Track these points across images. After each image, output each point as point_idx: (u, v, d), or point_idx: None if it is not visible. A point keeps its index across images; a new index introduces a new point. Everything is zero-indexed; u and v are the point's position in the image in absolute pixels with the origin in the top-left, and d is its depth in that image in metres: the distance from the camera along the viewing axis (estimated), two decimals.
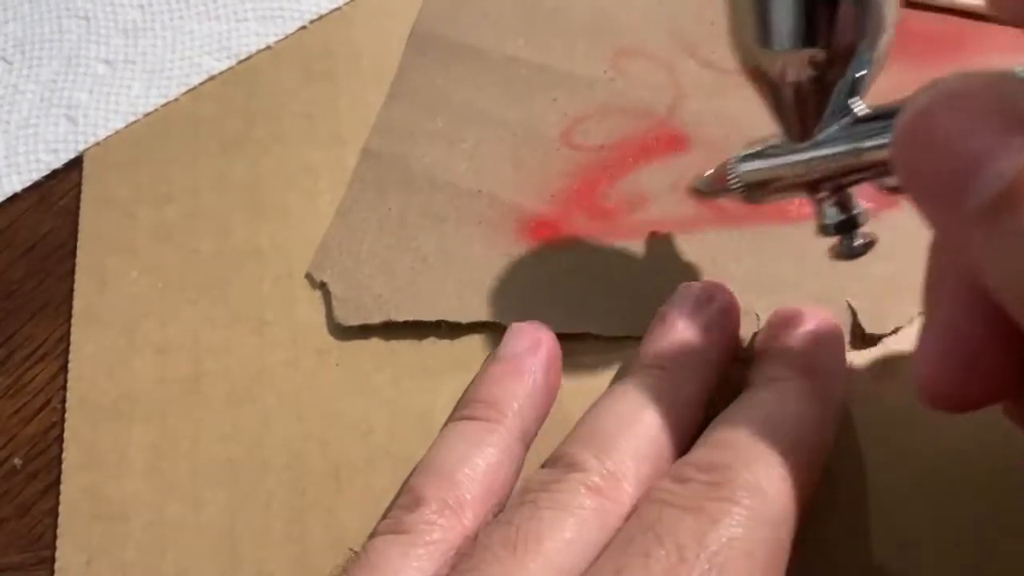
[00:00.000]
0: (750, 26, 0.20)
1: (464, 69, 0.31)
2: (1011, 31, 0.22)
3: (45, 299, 0.28)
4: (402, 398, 0.25)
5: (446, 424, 0.22)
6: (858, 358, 0.24)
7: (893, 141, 0.16)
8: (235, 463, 0.25)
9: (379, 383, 0.25)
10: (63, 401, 0.26)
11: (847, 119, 0.20)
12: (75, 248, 0.29)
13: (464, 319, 0.26)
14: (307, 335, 0.26)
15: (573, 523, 0.18)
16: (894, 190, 0.20)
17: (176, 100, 0.31)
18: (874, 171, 0.20)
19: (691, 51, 0.30)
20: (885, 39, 0.20)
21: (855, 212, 0.21)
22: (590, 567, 0.18)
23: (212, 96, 0.31)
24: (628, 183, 0.28)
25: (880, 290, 0.25)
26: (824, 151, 0.21)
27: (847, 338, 0.24)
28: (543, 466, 0.20)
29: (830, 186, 0.21)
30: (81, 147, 0.31)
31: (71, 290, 0.28)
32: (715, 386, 0.22)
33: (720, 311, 0.22)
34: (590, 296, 0.26)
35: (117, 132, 0.31)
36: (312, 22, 0.33)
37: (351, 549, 0.19)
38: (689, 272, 0.26)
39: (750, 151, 0.23)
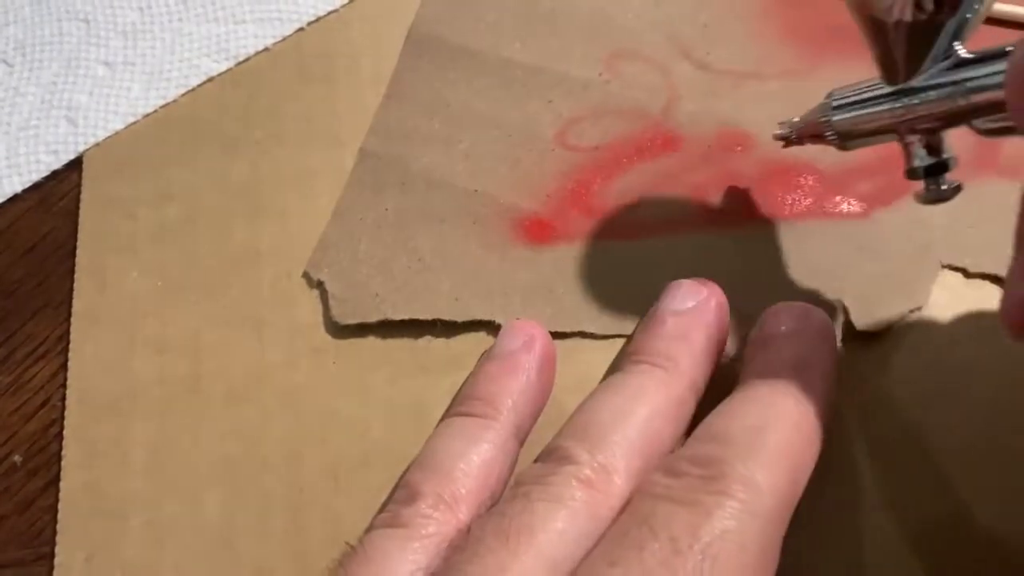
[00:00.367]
0: None
1: (461, 71, 0.31)
2: (1011, 32, 0.22)
3: (45, 298, 0.28)
4: (399, 396, 0.25)
5: (441, 420, 0.22)
6: (850, 355, 0.24)
7: (1009, 75, 0.16)
8: (233, 461, 0.25)
9: (376, 381, 0.26)
10: (63, 399, 0.26)
11: (949, 62, 0.21)
12: (75, 248, 0.29)
13: (460, 318, 0.26)
14: (305, 334, 0.27)
15: (565, 515, 0.18)
16: (991, 132, 0.21)
17: (175, 102, 0.32)
18: (975, 112, 0.20)
19: (685, 53, 0.31)
20: None
21: (945, 157, 0.22)
22: (584, 560, 0.18)
23: (211, 98, 0.32)
24: (622, 183, 0.28)
25: (871, 288, 0.25)
26: (927, 93, 0.21)
27: (838, 335, 0.24)
28: (536, 460, 0.21)
29: (924, 129, 0.22)
30: (81, 148, 0.31)
31: (71, 289, 0.28)
32: (706, 381, 0.22)
33: (709, 307, 0.23)
34: (584, 295, 0.26)
35: (117, 133, 0.31)
36: (310, 24, 0.33)
37: (347, 543, 0.19)
38: (682, 271, 0.26)
39: (844, 96, 0.23)
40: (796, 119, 0.26)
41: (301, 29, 0.33)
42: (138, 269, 0.28)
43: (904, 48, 0.21)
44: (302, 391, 0.26)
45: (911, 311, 0.25)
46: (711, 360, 0.22)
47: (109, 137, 0.31)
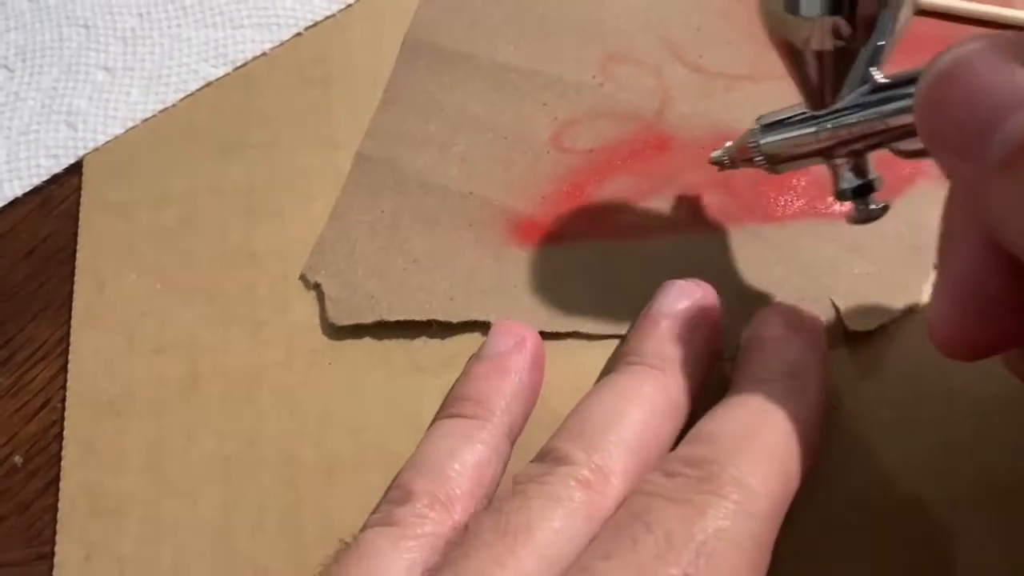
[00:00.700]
0: None
1: (456, 75, 0.31)
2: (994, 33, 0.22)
3: (46, 301, 0.29)
4: (394, 396, 0.25)
5: (434, 421, 0.22)
6: (841, 356, 0.25)
7: (916, 101, 0.17)
8: (230, 460, 0.25)
9: (371, 382, 0.26)
10: (63, 400, 0.26)
11: (866, 87, 0.21)
12: (75, 251, 0.29)
13: (455, 318, 0.26)
14: (301, 335, 0.27)
15: (562, 514, 0.18)
16: (910, 154, 0.21)
17: (174, 106, 0.32)
18: (892, 135, 0.21)
19: (679, 56, 0.31)
20: (905, 11, 0.21)
21: (871, 178, 0.23)
22: (580, 554, 0.18)
23: (209, 102, 0.32)
24: (616, 185, 0.28)
25: (862, 289, 0.26)
26: (845, 118, 0.22)
27: (830, 337, 0.25)
28: (533, 460, 0.21)
29: (848, 152, 0.22)
30: (81, 152, 0.31)
31: (71, 292, 0.28)
32: (701, 382, 0.22)
33: (703, 307, 0.23)
34: (578, 296, 0.26)
35: (116, 138, 0.31)
36: (307, 29, 0.33)
37: (342, 540, 0.20)
38: (675, 272, 0.26)
39: (770, 120, 0.24)
40: (729, 144, 0.26)
41: (298, 34, 0.33)
42: (137, 271, 0.28)
43: (822, 75, 0.22)
44: (298, 391, 0.26)
45: (903, 311, 0.25)
46: (706, 360, 0.23)
47: (109, 141, 0.31)
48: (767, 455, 0.19)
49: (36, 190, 0.31)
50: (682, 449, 0.20)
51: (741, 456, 0.19)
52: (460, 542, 0.19)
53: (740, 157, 0.25)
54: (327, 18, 0.33)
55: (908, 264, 0.26)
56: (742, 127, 0.29)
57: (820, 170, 0.28)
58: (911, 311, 0.25)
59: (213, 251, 0.29)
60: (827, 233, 0.27)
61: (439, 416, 0.22)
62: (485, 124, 0.30)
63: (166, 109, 0.32)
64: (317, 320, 0.27)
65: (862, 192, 0.23)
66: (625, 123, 0.30)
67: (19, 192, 0.31)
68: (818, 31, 0.20)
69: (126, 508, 0.25)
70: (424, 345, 0.26)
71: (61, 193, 0.31)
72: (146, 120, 0.32)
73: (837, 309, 0.25)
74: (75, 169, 0.31)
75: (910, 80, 0.20)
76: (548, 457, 0.20)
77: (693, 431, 0.20)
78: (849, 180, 0.23)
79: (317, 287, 0.27)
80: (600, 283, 0.27)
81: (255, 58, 0.33)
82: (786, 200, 0.28)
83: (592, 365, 0.25)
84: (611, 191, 0.28)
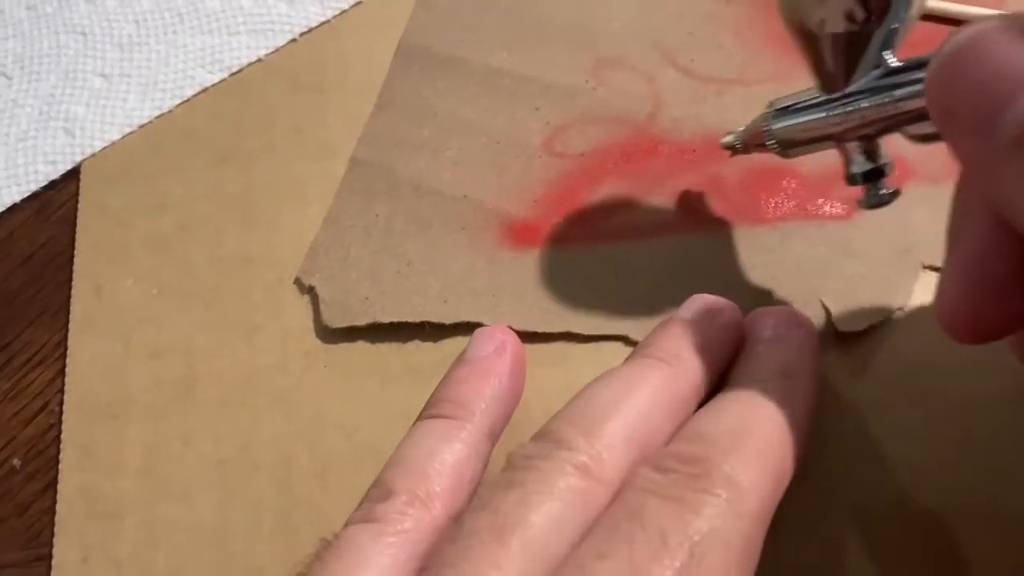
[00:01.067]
0: None
1: (449, 80, 0.32)
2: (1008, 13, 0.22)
3: (43, 306, 0.29)
4: (387, 398, 0.26)
5: (415, 423, 0.23)
6: (831, 357, 0.25)
7: (927, 79, 0.17)
8: (226, 462, 0.25)
9: (365, 384, 0.26)
10: (61, 404, 0.27)
11: (879, 71, 0.21)
12: (72, 256, 0.30)
13: (448, 320, 0.27)
14: (296, 339, 0.27)
15: (558, 507, 0.18)
16: (921, 139, 0.21)
17: (170, 112, 0.32)
18: (904, 119, 0.21)
19: (671, 60, 0.31)
20: None
21: (882, 162, 0.23)
22: (573, 552, 0.18)
23: (205, 108, 0.32)
24: (608, 188, 0.29)
25: (853, 289, 0.26)
26: (858, 102, 0.22)
27: (820, 338, 0.25)
28: (532, 439, 0.21)
29: (860, 136, 0.22)
30: (78, 159, 0.32)
31: (68, 297, 0.29)
32: (709, 388, 0.22)
33: (723, 320, 0.23)
34: (570, 298, 0.27)
35: (113, 144, 0.32)
36: (302, 35, 0.33)
37: (323, 539, 0.20)
38: (666, 274, 0.27)
39: (782, 105, 0.24)
40: (741, 129, 0.26)
41: (293, 40, 0.33)
42: (134, 276, 0.29)
43: (836, 59, 0.22)
44: (293, 394, 0.26)
45: (893, 312, 0.25)
46: (716, 370, 0.22)
47: (106, 147, 0.32)
48: (759, 454, 0.19)
49: (34, 196, 0.31)
50: (675, 445, 0.20)
51: (734, 454, 0.19)
52: (455, 538, 0.19)
53: (752, 142, 0.26)
54: (322, 24, 0.34)
55: (898, 265, 0.26)
56: (733, 130, 0.29)
57: (811, 172, 0.28)
58: (901, 312, 0.25)
59: (209, 256, 0.29)
60: (817, 235, 0.27)
61: (421, 417, 0.23)
62: (478, 129, 0.30)
63: (163, 115, 0.32)
64: (311, 323, 0.27)
65: (873, 176, 0.23)
66: (617, 127, 0.30)
67: (17, 198, 0.31)
68: (833, 14, 0.21)
69: (123, 510, 0.25)
70: (417, 347, 0.27)
71: (59, 199, 0.31)
72: (143, 126, 0.32)
73: (827, 310, 0.25)
74: (73, 175, 0.31)
75: (923, 64, 0.20)
76: (546, 438, 0.20)
77: (686, 428, 0.20)
78: (860, 164, 0.23)
79: (311, 291, 0.28)
80: (592, 285, 0.27)
81: (250, 64, 0.33)
82: (776, 202, 0.28)
83: (584, 365, 0.26)
84: (603, 194, 0.29)
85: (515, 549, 0.18)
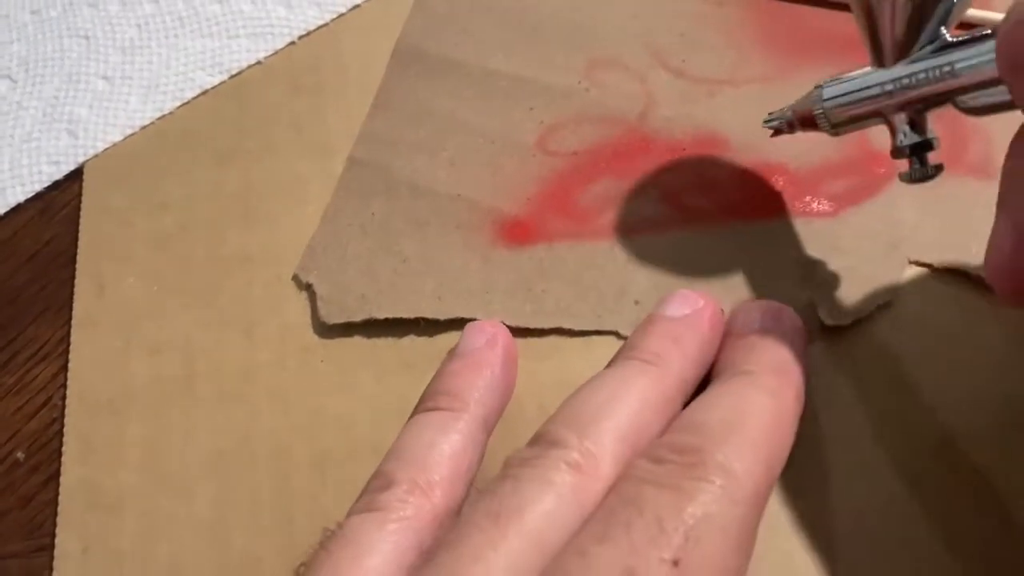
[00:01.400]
0: None
1: (445, 82, 0.32)
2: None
3: (47, 303, 0.29)
4: (383, 393, 0.26)
5: (412, 416, 0.23)
6: (817, 350, 0.25)
7: (1000, 40, 0.18)
8: (225, 456, 0.26)
9: (362, 379, 0.26)
10: (63, 399, 0.27)
11: (935, 44, 0.22)
12: (75, 255, 0.30)
13: (443, 316, 0.27)
14: (294, 335, 0.28)
15: (553, 497, 0.19)
16: (976, 111, 0.22)
17: (171, 114, 0.33)
18: (960, 90, 0.22)
19: (663, 61, 0.32)
20: None
21: (930, 136, 0.23)
22: (571, 538, 0.18)
23: (205, 110, 0.33)
24: (600, 187, 0.29)
25: (840, 284, 0.26)
26: (917, 73, 0.23)
27: (808, 331, 0.25)
28: (527, 445, 0.21)
29: (911, 110, 0.23)
30: (81, 159, 0.32)
31: (71, 294, 0.29)
32: (695, 384, 0.23)
33: (703, 317, 0.23)
34: (562, 293, 0.27)
35: (115, 145, 0.32)
36: (301, 38, 0.34)
37: (326, 528, 0.20)
38: (656, 270, 0.27)
39: (833, 81, 0.25)
40: (784, 109, 0.27)
41: (292, 43, 0.34)
42: (135, 274, 0.29)
43: (895, 32, 0.23)
44: (291, 389, 0.27)
45: (879, 306, 0.26)
46: (701, 365, 0.23)
47: (108, 148, 0.32)
48: (752, 443, 0.19)
49: (38, 196, 0.32)
50: (669, 436, 0.20)
51: (727, 444, 0.19)
52: (453, 525, 0.19)
53: (801, 118, 0.26)
54: (320, 27, 0.34)
55: (884, 261, 0.27)
56: (724, 130, 0.30)
57: (798, 170, 0.29)
58: (886, 306, 0.26)
59: (209, 254, 0.30)
60: (805, 231, 0.27)
61: (416, 411, 0.23)
62: (473, 129, 0.31)
63: (164, 117, 0.33)
64: (309, 320, 0.28)
65: (920, 149, 0.23)
66: (609, 127, 0.30)
67: (21, 198, 0.32)
68: None
69: (124, 503, 0.25)
70: (413, 342, 0.27)
71: (62, 199, 0.32)
72: (144, 127, 0.33)
73: (813, 304, 0.26)
74: (76, 176, 0.32)
75: (979, 38, 0.21)
76: (540, 440, 0.20)
77: (679, 420, 0.21)
78: (909, 137, 0.23)
79: (309, 287, 0.28)
80: (583, 280, 0.27)
81: (250, 66, 0.34)
82: (765, 200, 0.28)
83: (576, 360, 0.26)
84: (595, 192, 0.29)
85: (512, 533, 0.18)
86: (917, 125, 0.23)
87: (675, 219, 0.28)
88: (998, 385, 0.24)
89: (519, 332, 0.26)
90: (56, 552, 0.25)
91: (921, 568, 0.22)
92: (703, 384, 0.23)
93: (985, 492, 0.23)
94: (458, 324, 0.27)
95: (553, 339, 0.26)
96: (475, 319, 0.27)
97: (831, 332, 0.25)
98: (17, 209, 0.31)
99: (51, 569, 0.24)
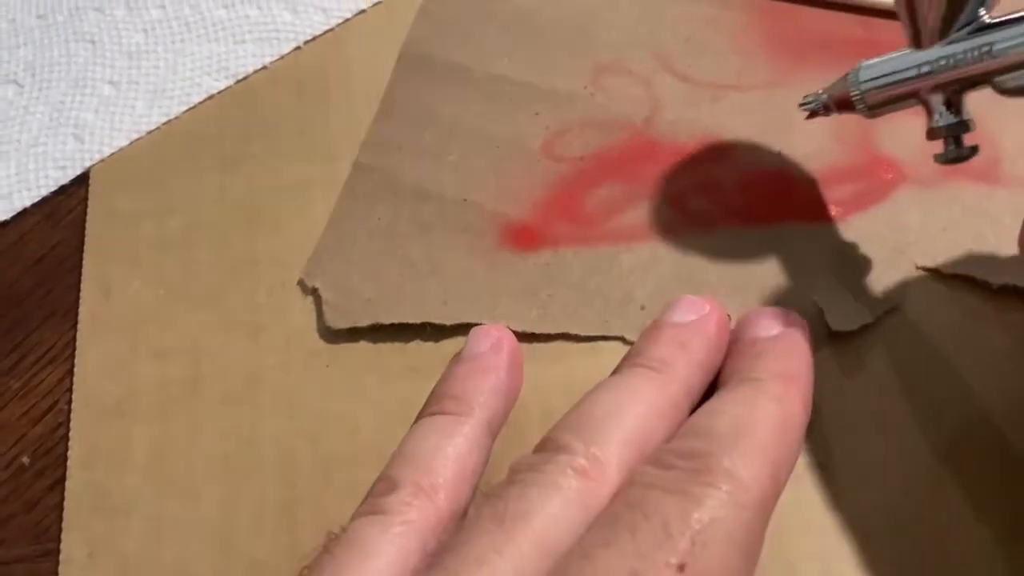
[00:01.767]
0: None
1: (451, 87, 0.32)
2: None
3: (53, 307, 0.29)
4: (388, 397, 0.26)
5: (417, 420, 0.23)
6: (824, 356, 0.25)
7: None
8: (230, 459, 0.26)
9: (367, 383, 0.26)
10: (69, 403, 0.27)
11: (973, 26, 0.22)
12: (81, 259, 0.30)
13: (449, 321, 0.27)
14: (299, 339, 0.28)
15: (559, 501, 0.19)
16: (1014, 91, 0.22)
17: (177, 118, 0.33)
18: (999, 70, 0.22)
19: (668, 66, 0.32)
20: None
21: (966, 118, 0.24)
22: (576, 542, 0.18)
23: (211, 114, 0.33)
24: (606, 191, 0.29)
25: (846, 289, 0.26)
26: (956, 54, 0.23)
27: (813, 337, 0.25)
28: (533, 451, 0.21)
29: (948, 91, 0.23)
30: (87, 164, 0.32)
31: (77, 299, 0.29)
32: (701, 391, 0.23)
33: (709, 322, 0.23)
34: (568, 298, 0.27)
35: (121, 149, 0.32)
36: (306, 43, 0.34)
37: (330, 532, 0.20)
38: (662, 275, 0.27)
39: (871, 63, 0.25)
40: (820, 92, 0.26)
41: (298, 48, 0.34)
42: (141, 278, 0.29)
43: (935, 12, 0.23)
44: (296, 393, 0.27)
45: (886, 312, 0.26)
46: (707, 371, 0.23)
47: (114, 153, 0.32)
48: (759, 450, 0.19)
49: (44, 201, 0.32)
50: (675, 442, 0.20)
51: (734, 450, 0.19)
52: (459, 528, 0.19)
53: (838, 100, 0.26)
54: (326, 32, 0.34)
55: (891, 266, 0.27)
56: (728, 134, 0.30)
57: (805, 175, 0.29)
58: (893, 312, 0.26)
59: (215, 259, 0.30)
60: (811, 235, 0.27)
61: (422, 414, 0.23)
62: (479, 133, 0.31)
63: (170, 121, 0.33)
64: (315, 324, 0.28)
65: (957, 130, 0.24)
66: (615, 132, 0.30)
67: (28, 203, 0.32)
68: None
69: (129, 506, 0.25)
70: (418, 347, 0.27)
71: (68, 203, 0.32)
72: (151, 132, 0.33)
73: (820, 309, 0.26)
74: (82, 180, 0.32)
75: (1020, 19, 0.22)
76: (546, 447, 0.20)
77: (686, 426, 0.21)
78: (945, 117, 0.23)
79: (315, 292, 0.28)
80: (588, 285, 0.27)
81: (256, 71, 0.34)
82: (771, 204, 0.28)
83: (581, 365, 0.26)
84: (601, 197, 0.29)
85: (517, 535, 0.18)
86: (953, 106, 0.23)
87: (681, 224, 0.28)
88: (1005, 390, 0.24)
89: (525, 337, 0.26)
90: (62, 556, 0.25)
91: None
92: (710, 391, 0.23)
93: (990, 498, 0.23)
94: (464, 329, 0.27)
95: (559, 344, 0.26)
96: (480, 324, 0.26)
97: (838, 338, 0.25)
98: (24, 213, 0.32)
99: (57, 573, 0.24)
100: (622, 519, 0.18)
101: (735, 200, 0.28)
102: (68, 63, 0.34)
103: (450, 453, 0.21)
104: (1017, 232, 0.23)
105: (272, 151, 0.32)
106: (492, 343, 0.24)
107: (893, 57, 0.24)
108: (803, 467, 0.23)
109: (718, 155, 0.29)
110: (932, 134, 0.24)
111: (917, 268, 0.26)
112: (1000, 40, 0.22)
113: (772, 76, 0.31)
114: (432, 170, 0.30)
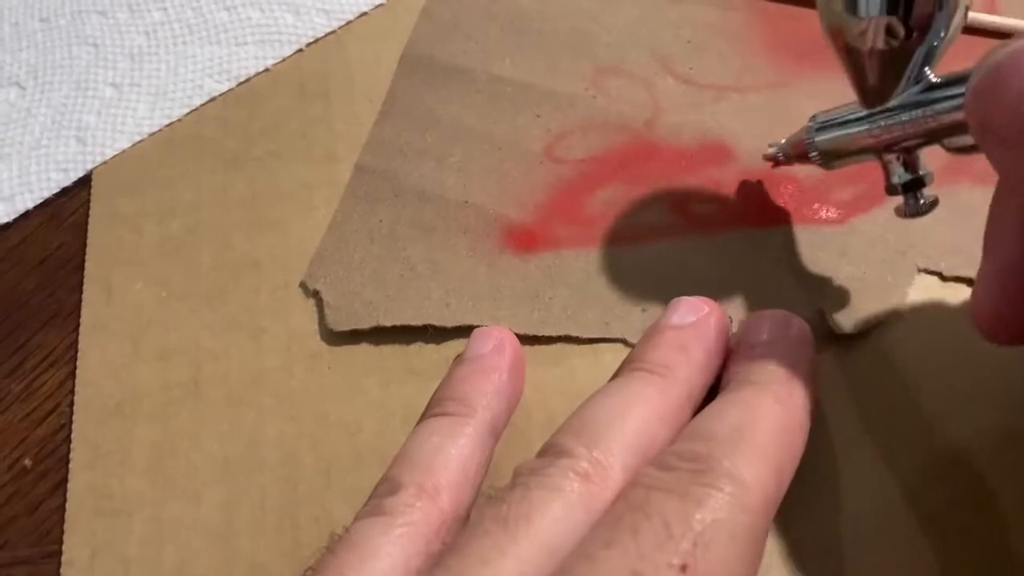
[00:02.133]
0: None
1: (452, 89, 0.32)
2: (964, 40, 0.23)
3: (55, 309, 0.29)
4: (390, 399, 0.26)
5: (419, 422, 0.23)
6: (827, 359, 0.25)
7: (968, 91, 0.18)
8: (232, 461, 0.26)
9: (368, 385, 0.26)
10: (71, 405, 0.27)
11: (920, 85, 0.22)
12: (84, 261, 0.30)
13: (450, 323, 0.27)
14: (301, 341, 0.28)
15: (561, 504, 0.19)
16: (959, 150, 0.22)
17: (179, 121, 0.33)
18: (943, 132, 0.22)
19: (669, 68, 0.32)
20: (959, 12, 0.22)
21: (922, 173, 0.24)
22: (579, 543, 0.18)
23: (213, 117, 0.33)
24: (607, 193, 0.29)
25: (849, 293, 0.26)
26: (899, 116, 0.23)
27: (816, 340, 0.25)
28: (536, 456, 0.21)
29: (900, 149, 0.23)
30: (90, 166, 0.32)
31: (80, 301, 0.29)
32: (703, 393, 0.23)
33: (709, 324, 0.23)
34: (569, 300, 0.27)
35: (123, 151, 0.32)
36: (308, 45, 0.34)
37: (333, 533, 0.20)
38: (664, 277, 0.27)
39: (825, 119, 0.25)
40: (783, 141, 0.27)
41: (300, 50, 0.34)
42: (143, 280, 0.29)
43: (878, 74, 0.22)
44: (298, 395, 0.27)
45: (888, 315, 0.26)
46: (708, 373, 0.23)
47: (116, 155, 0.32)
48: (761, 452, 0.19)
49: (47, 203, 0.32)
50: (678, 444, 0.20)
51: (736, 452, 0.19)
52: (462, 531, 0.19)
53: (795, 153, 0.26)
54: (327, 34, 0.34)
55: (893, 269, 0.27)
56: (731, 136, 0.30)
57: (807, 178, 0.29)
58: (896, 315, 0.26)
59: (217, 260, 0.30)
60: (814, 239, 0.27)
61: (424, 416, 0.23)
62: (480, 135, 0.31)
63: (172, 123, 0.33)
64: (316, 326, 0.28)
65: (912, 187, 0.24)
66: (616, 134, 0.30)
67: (30, 205, 0.32)
68: (874, 31, 0.21)
69: (131, 508, 0.25)
70: (420, 349, 0.27)
71: (71, 205, 0.32)
72: (152, 134, 0.33)
73: (823, 312, 0.26)
74: (84, 182, 0.32)
75: (962, 79, 0.21)
76: (549, 451, 0.20)
77: (688, 429, 0.21)
78: (900, 175, 0.24)
79: (316, 294, 0.28)
80: (590, 287, 0.27)
81: (258, 74, 0.34)
82: (773, 207, 0.28)
83: (583, 367, 0.26)
84: (602, 199, 0.29)
85: (519, 536, 0.18)
86: (909, 162, 0.23)
87: (682, 226, 0.28)
88: (1007, 393, 0.24)
89: (527, 339, 0.26)
90: (64, 558, 0.25)
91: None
92: (712, 394, 0.23)
93: (991, 501, 0.23)
94: (465, 331, 0.27)
95: (560, 346, 0.26)
96: (482, 326, 0.27)
97: (840, 341, 0.26)
98: (26, 216, 0.32)
99: (59, 575, 0.24)
100: (624, 520, 0.18)
101: (736, 202, 0.28)
102: (70, 66, 0.35)
103: (453, 454, 0.21)
104: None
105: (274, 153, 0.32)
106: (494, 344, 0.24)
107: (845, 115, 0.24)
108: (802, 469, 0.23)
109: (719, 157, 0.29)
110: (890, 190, 0.24)
111: (919, 271, 0.26)
112: (940, 103, 0.22)
113: (773, 78, 0.31)
114: (434, 172, 0.30)
